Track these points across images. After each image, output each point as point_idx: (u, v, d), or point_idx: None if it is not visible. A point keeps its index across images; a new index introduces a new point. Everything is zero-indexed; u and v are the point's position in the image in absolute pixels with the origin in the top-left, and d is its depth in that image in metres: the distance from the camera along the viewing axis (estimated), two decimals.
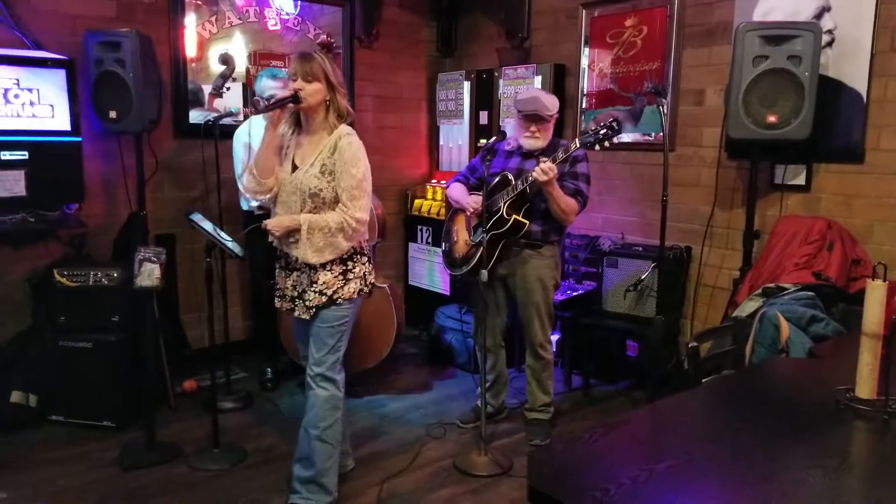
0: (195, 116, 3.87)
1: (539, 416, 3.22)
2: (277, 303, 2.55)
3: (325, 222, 2.35)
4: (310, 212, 2.37)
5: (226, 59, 3.98)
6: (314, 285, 2.40)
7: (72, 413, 3.21)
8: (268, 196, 2.44)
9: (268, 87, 3.36)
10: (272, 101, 2.48)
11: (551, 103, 3.03)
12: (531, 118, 2.99)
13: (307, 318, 2.43)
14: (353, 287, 2.44)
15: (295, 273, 2.45)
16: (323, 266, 2.39)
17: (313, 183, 2.35)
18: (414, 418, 3.42)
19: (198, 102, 3.91)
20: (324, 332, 2.43)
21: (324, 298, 2.40)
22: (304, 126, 2.44)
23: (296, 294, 2.45)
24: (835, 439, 1.52)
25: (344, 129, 2.41)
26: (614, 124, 2.78)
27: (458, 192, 3.22)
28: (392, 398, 3.67)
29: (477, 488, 2.76)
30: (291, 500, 2.50)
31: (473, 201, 3.10)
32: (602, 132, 2.79)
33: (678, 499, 1.27)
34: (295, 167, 2.41)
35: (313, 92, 2.34)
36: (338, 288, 2.41)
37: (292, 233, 2.36)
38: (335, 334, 2.44)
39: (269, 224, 2.38)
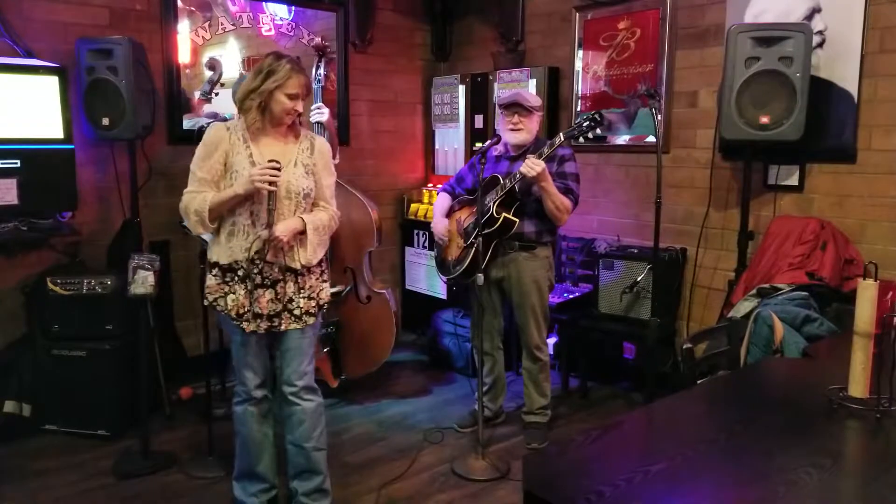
0: (186, 123, 3.86)
1: (537, 419, 3.22)
2: (252, 326, 2.25)
3: (322, 221, 2.31)
4: (302, 213, 2.28)
5: (213, 65, 3.98)
6: (302, 291, 2.31)
7: (66, 422, 3.20)
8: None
9: None
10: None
11: (532, 97, 3.09)
12: (512, 107, 3.01)
13: (299, 327, 2.31)
14: (328, 288, 2.42)
15: (277, 285, 2.26)
16: (308, 270, 2.32)
17: (304, 184, 2.28)
18: (412, 423, 3.41)
19: (187, 108, 3.91)
20: (306, 343, 2.36)
21: (312, 303, 2.33)
22: (269, 131, 2.28)
23: (279, 308, 2.26)
24: (828, 438, 1.52)
25: (306, 130, 2.42)
26: (597, 116, 2.84)
27: (438, 209, 3.27)
28: (390, 403, 3.66)
29: (475, 492, 2.75)
30: None
31: (440, 232, 3.20)
32: (585, 123, 2.84)
33: (673, 500, 1.26)
34: None
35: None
36: (320, 290, 2.38)
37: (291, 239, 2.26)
38: (314, 341, 2.42)
39: (278, 231, 2.18)
